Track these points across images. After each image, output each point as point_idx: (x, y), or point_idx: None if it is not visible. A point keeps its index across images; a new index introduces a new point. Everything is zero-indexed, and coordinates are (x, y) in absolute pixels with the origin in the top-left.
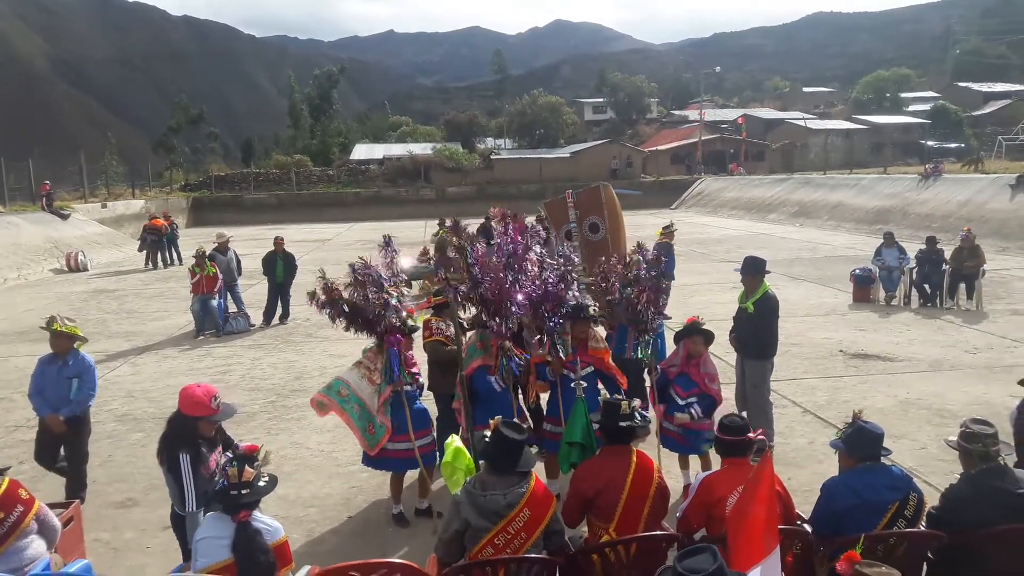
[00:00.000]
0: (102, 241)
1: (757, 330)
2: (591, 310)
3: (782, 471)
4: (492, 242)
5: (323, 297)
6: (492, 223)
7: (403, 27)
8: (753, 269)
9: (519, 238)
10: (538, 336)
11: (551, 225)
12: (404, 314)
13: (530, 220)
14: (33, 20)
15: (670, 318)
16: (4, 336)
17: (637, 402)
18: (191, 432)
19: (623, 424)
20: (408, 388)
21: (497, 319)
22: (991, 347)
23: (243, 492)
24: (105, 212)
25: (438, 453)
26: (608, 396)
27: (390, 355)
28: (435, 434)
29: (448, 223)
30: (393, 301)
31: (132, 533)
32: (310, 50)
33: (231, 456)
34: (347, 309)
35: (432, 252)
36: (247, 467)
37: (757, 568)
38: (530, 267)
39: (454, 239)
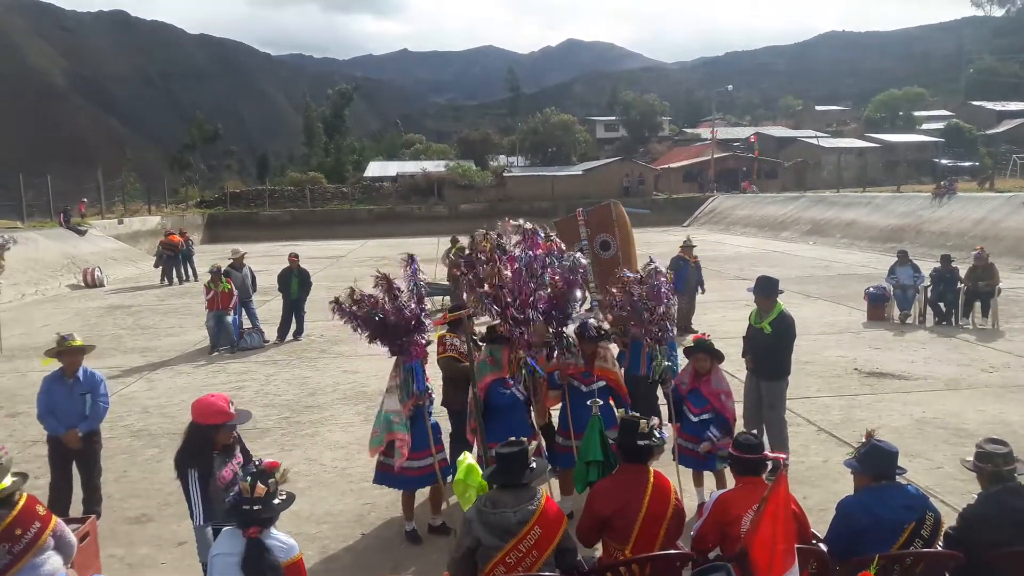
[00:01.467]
0: (118, 257)
1: (776, 350)
2: (600, 329)
3: (796, 490)
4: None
5: (351, 306)
6: (504, 237)
7: (417, 46)
8: (767, 290)
9: (538, 250)
10: (546, 344)
11: (564, 244)
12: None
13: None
14: (52, 37)
15: (674, 330)
16: (22, 351)
17: (656, 420)
18: (205, 443)
19: (641, 443)
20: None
21: (519, 329)
22: (1008, 366)
23: (255, 508)
24: (121, 228)
25: (450, 470)
26: (625, 413)
27: (413, 369)
28: (447, 451)
29: (464, 237)
30: (423, 317)
31: (147, 549)
32: (325, 68)
33: (251, 472)
34: (379, 317)
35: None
36: (259, 483)
37: None
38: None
39: (481, 248)
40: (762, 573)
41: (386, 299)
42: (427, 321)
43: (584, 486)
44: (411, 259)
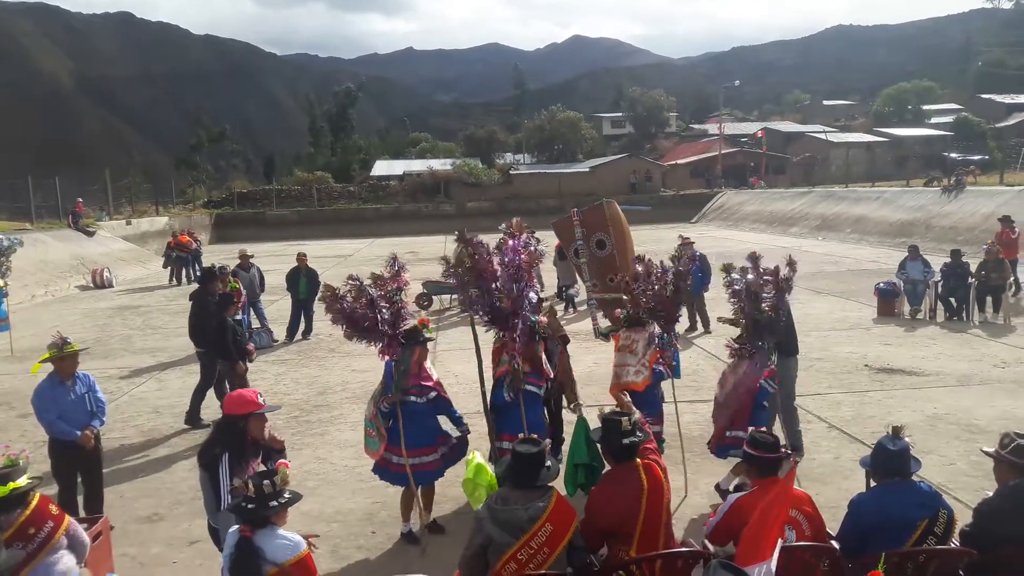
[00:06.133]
0: (127, 258)
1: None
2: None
3: (808, 487)
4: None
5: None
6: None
7: (422, 44)
8: None
9: (522, 252)
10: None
11: (562, 244)
12: (401, 328)
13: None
14: (58, 39)
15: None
16: (32, 352)
17: (636, 415)
18: (238, 432)
19: (626, 441)
20: (414, 399)
21: (505, 333)
22: (1020, 361)
23: (248, 506)
24: (129, 229)
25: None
26: (608, 413)
27: (385, 366)
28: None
29: (457, 233)
30: (386, 315)
31: (159, 548)
32: (331, 67)
33: (259, 472)
34: (343, 316)
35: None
36: (251, 482)
37: (754, 568)
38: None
39: (465, 250)
40: (737, 559)
41: (358, 299)
42: (390, 319)
43: (574, 487)
44: (394, 260)
